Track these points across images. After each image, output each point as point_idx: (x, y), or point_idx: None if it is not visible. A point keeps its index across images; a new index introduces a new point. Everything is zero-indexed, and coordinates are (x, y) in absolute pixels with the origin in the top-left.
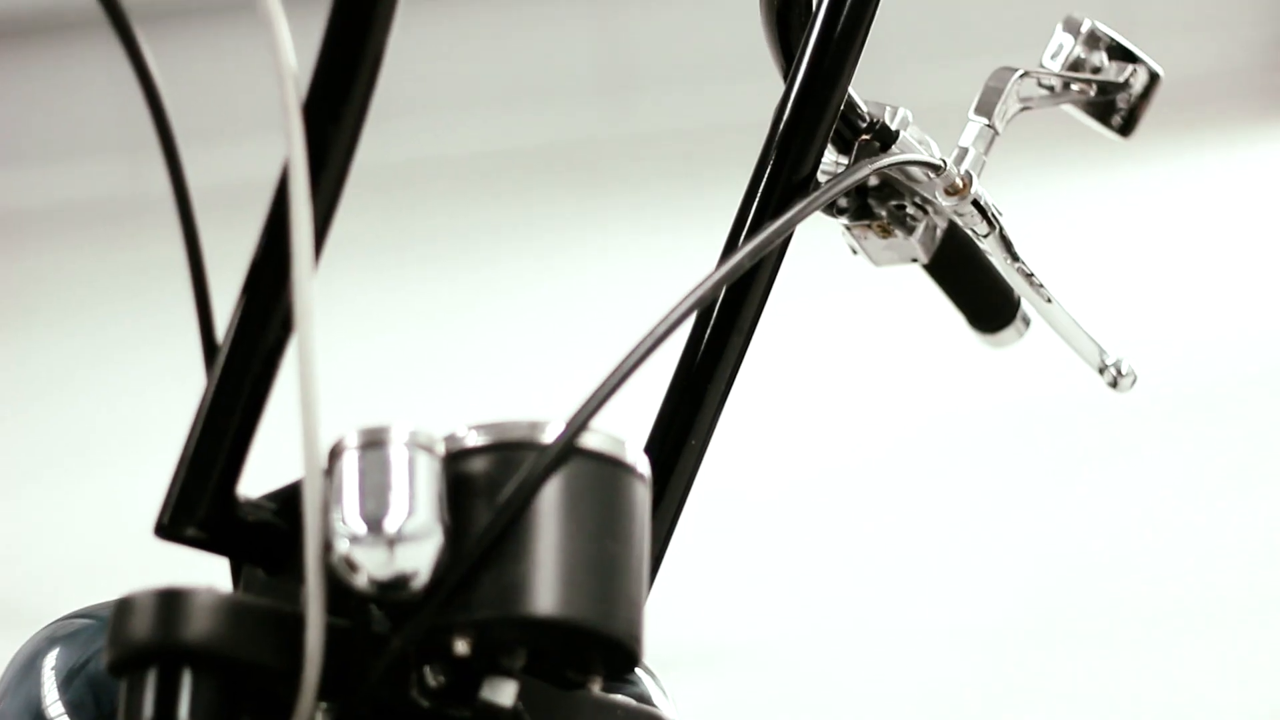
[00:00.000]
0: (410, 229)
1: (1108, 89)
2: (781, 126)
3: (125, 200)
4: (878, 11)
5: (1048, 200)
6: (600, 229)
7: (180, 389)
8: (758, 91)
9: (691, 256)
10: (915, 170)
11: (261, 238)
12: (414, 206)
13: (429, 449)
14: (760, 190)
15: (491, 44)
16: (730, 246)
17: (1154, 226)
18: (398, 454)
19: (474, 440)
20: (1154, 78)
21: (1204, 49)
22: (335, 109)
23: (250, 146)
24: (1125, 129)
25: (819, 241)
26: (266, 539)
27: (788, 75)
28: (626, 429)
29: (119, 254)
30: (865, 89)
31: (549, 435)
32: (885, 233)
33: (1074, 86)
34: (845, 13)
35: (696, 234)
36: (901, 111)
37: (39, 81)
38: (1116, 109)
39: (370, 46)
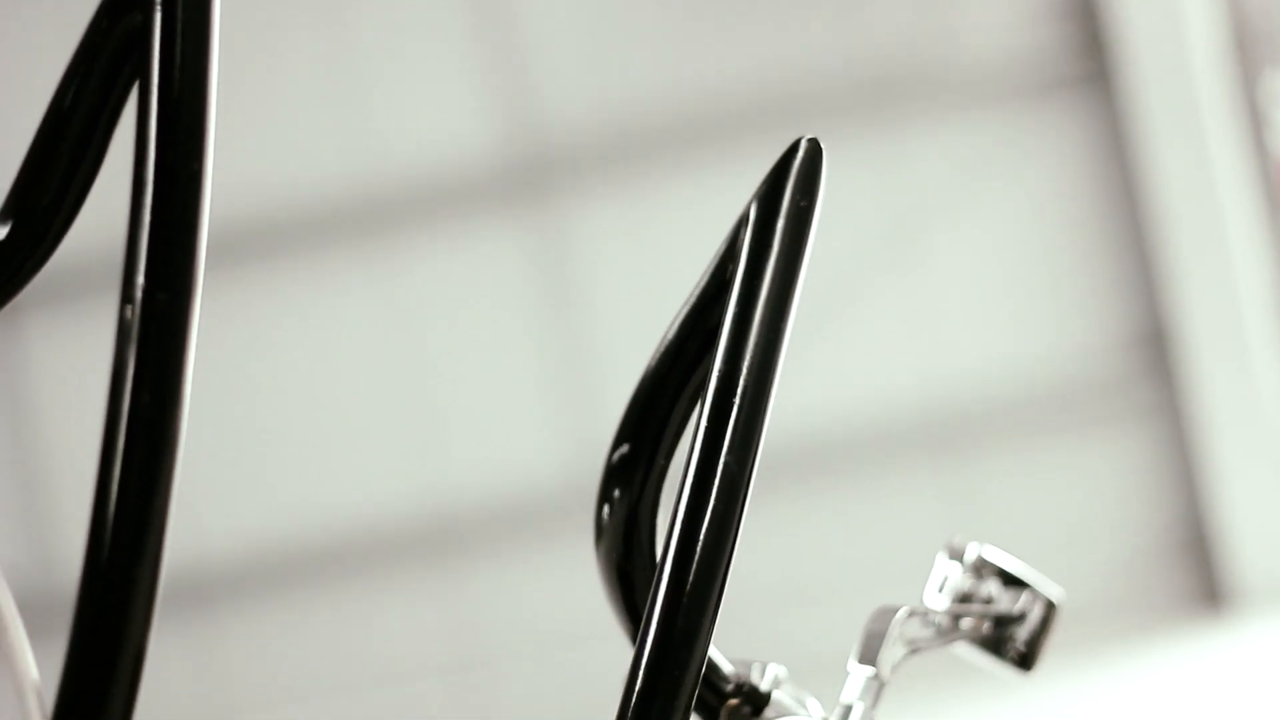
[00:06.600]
0: None
1: (1003, 621)
2: (634, 700)
3: None
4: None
5: None
6: None
7: None
8: None
9: None
10: None
11: None
12: None
13: None
14: None
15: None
16: None
17: None
18: None
19: None
20: (1051, 606)
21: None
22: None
23: None
24: (1025, 663)
25: None
26: None
27: (636, 638)
28: None
29: None
30: (731, 646)
31: None
32: None
33: (965, 622)
34: (696, 563)
35: None
36: (773, 669)
37: None
38: (1014, 641)
39: (125, 659)
